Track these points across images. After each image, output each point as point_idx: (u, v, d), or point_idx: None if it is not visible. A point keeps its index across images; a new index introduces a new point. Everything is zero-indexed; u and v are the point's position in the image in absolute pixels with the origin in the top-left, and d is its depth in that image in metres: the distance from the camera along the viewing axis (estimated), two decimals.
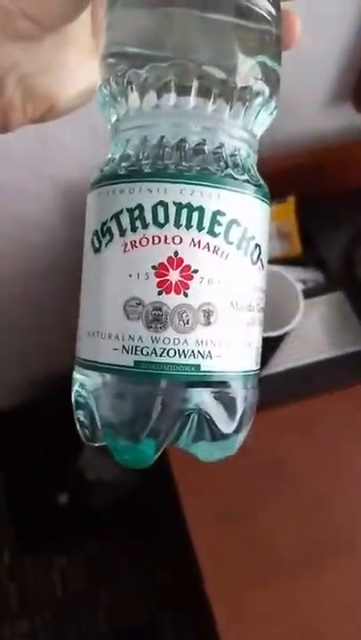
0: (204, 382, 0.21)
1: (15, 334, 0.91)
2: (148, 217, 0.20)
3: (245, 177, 0.22)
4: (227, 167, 0.21)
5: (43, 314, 0.89)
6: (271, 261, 0.70)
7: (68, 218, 0.71)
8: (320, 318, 0.67)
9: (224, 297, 0.21)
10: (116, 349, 0.21)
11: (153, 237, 0.20)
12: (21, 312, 0.87)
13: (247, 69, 0.21)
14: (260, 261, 0.22)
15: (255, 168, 0.23)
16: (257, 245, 0.22)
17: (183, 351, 0.20)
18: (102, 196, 0.22)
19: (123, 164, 0.22)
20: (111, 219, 0.21)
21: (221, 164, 0.21)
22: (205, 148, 0.21)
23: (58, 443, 1.03)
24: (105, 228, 0.21)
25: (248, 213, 0.21)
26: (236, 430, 0.23)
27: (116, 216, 0.21)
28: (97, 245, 0.22)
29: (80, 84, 0.24)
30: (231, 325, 0.21)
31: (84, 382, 0.23)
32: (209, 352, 0.21)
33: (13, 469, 1.03)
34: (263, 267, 0.22)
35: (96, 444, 0.23)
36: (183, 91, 0.21)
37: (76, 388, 0.23)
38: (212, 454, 0.24)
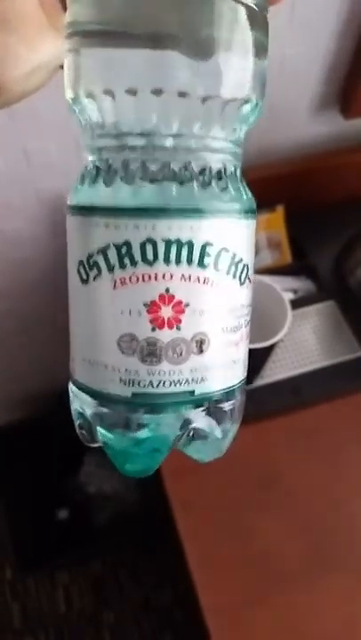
0: (198, 404, 0.22)
1: (10, 349, 0.91)
2: (137, 254, 0.20)
3: (233, 198, 0.21)
4: (213, 194, 0.20)
5: (39, 329, 0.88)
6: (262, 271, 0.70)
7: (55, 232, 0.71)
8: (312, 328, 0.66)
9: (215, 324, 0.21)
10: (113, 380, 0.21)
11: (143, 275, 0.20)
12: (16, 328, 0.87)
13: (232, 80, 0.20)
14: (247, 279, 0.22)
15: (240, 177, 0.22)
16: (245, 265, 0.22)
17: (178, 381, 0.21)
18: (85, 226, 0.21)
19: (103, 193, 0.21)
20: (98, 252, 0.20)
21: (208, 191, 0.20)
22: (190, 173, 0.20)
23: (57, 458, 1.03)
24: (91, 262, 0.21)
25: (236, 237, 0.21)
26: (224, 435, 0.24)
27: (103, 251, 0.20)
28: (84, 277, 0.21)
29: (26, 64, 0.22)
30: (222, 349, 0.22)
31: (81, 402, 0.23)
32: (202, 377, 0.22)
33: (13, 485, 1.03)
34: (250, 281, 0.22)
35: (95, 445, 0.24)
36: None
37: (74, 405, 0.24)
38: (206, 456, 0.25)
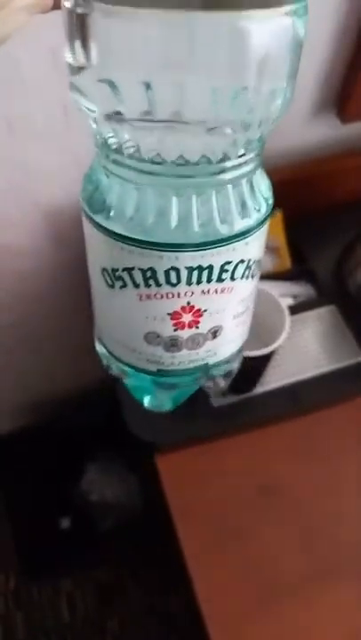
0: (211, 370, 0.26)
1: (13, 359, 0.91)
2: (161, 278, 0.21)
3: (251, 214, 0.21)
4: (233, 220, 0.21)
5: (42, 339, 0.88)
6: (261, 277, 0.69)
7: (56, 243, 0.71)
8: (312, 333, 0.66)
9: (228, 316, 0.24)
10: (140, 360, 0.25)
11: (167, 294, 0.22)
12: (20, 338, 0.87)
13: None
14: (256, 271, 0.24)
15: (260, 181, 0.23)
16: (256, 262, 0.23)
17: (195, 359, 0.25)
18: (109, 245, 0.21)
19: (127, 222, 0.20)
20: (123, 270, 0.21)
21: (229, 220, 0.20)
22: (212, 204, 0.20)
23: (59, 466, 1.02)
24: (117, 275, 0.22)
25: (253, 247, 0.22)
26: (228, 378, 0.29)
27: (129, 271, 0.21)
28: (109, 283, 0.22)
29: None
30: (232, 329, 0.25)
31: (108, 359, 0.27)
32: (214, 353, 0.25)
33: (16, 493, 1.03)
34: (258, 270, 0.25)
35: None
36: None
37: (102, 351, 0.27)
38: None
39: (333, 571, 0.55)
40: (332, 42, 0.62)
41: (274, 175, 0.78)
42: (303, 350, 0.65)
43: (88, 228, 0.22)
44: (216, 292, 0.22)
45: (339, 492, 0.60)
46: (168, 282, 0.21)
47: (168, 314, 0.22)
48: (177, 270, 0.21)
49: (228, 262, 0.21)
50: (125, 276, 0.21)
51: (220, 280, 0.22)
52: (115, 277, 0.22)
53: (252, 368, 0.57)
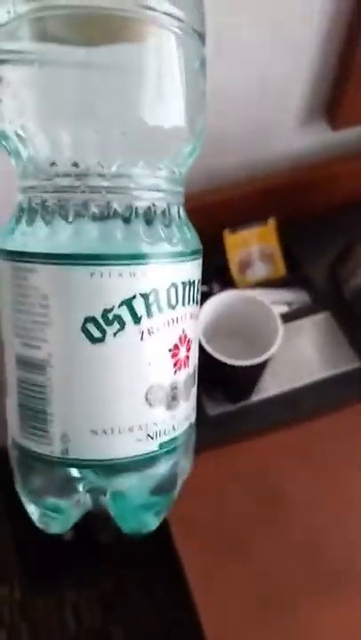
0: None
1: None
2: (163, 301, 0.19)
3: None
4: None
5: None
6: (256, 284, 0.69)
7: None
8: (308, 340, 0.66)
9: (197, 349, 0.22)
10: (139, 440, 0.20)
11: (168, 321, 0.20)
12: None
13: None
14: None
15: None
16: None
17: (188, 415, 0.22)
18: (94, 278, 0.18)
19: (122, 241, 0.19)
20: (120, 305, 0.18)
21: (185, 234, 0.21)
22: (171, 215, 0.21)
23: None
24: (110, 317, 0.18)
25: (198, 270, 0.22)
26: None
27: (128, 302, 0.18)
28: (98, 335, 0.18)
29: None
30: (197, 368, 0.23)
31: (91, 481, 0.21)
32: (194, 404, 0.23)
33: (16, 505, 1.03)
34: None
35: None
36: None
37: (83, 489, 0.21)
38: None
39: (335, 583, 0.55)
40: (320, 48, 0.62)
41: (266, 182, 0.78)
42: (299, 357, 0.65)
43: (43, 276, 0.18)
44: (192, 316, 0.21)
45: (339, 500, 0.59)
46: (169, 304, 0.19)
47: (169, 350, 0.20)
48: (175, 287, 0.19)
49: (196, 282, 0.21)
50: (124, 312, 0.18)
51: (196, 302, 0.21)
52: (107, 322, 0.18)
53: (247, 377, 0.57)
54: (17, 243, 0.19)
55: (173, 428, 0.21)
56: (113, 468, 0.20)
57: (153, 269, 0.19)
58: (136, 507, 0.22)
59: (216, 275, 0.69)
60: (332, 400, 0.63)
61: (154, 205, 0.20)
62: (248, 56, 0.59)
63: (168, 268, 0.19)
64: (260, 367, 0.54)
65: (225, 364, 0.52)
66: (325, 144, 0.72)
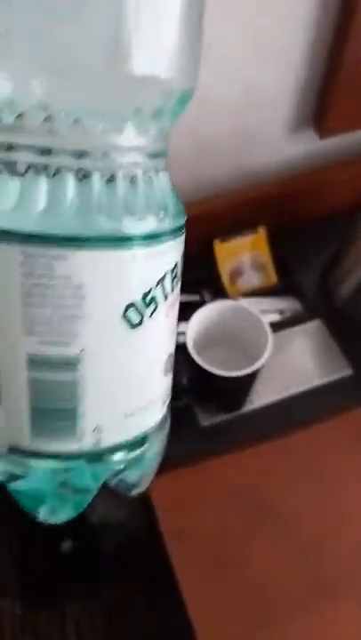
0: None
1: None
2: (179, 272, 0.19)
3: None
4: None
5: None
6: (247, 292, 0.69)
7: None
8: (300, 348, 0.66)
9: None
10: (159, 409, 0.21)
11: (178, 292, 0.20)
12: None
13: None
14: None
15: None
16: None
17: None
18: (136, 260, 0.17)
19: (157, 220, 0.18)
20: (157, 285, 0.18)
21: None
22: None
23: None
24: (148, 299, 0.18)
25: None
26: None
27: (161, 281, 0.18)
28: (136, 320, 0.18)
29: None
30: None
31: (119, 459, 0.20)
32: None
33: (15, 518, 1.02)
34: None
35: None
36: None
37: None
38: None
39: (331, 595, 0.55)
40: (307, 57, 0.62)
41: (255, 191, 0.79)
42: (291, 366, 0.64)
43: (78, 264, 0.16)
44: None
45: (335, 510, 0.59)
46: (179, 276, 0.19)
47: (177, 320, 0.20)
48: (181, 259, 0.19)
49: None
50: (158, 292, 0.18)
51: None
52: (146, 304, 0.18)
53: (238, 387, 0.57)
54: (29, 222, 0.16)
55: (170, 394, 0.22)
56: (141, 441, 0.20)
57: (177, 244, 0.19)
58: (150, 463, 0.22)
59: (207, 284, 0.69)
60: (325, 408, 0.62)
61: (156, 171, 0.18)
62: (235, 66, 0.59)
63: (181, 241, 0.19)
64: (251, 377, 0.54)
65: (216, 375, 0.52)
66: (313, 152, 0.72)
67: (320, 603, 0.54)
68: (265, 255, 0.70)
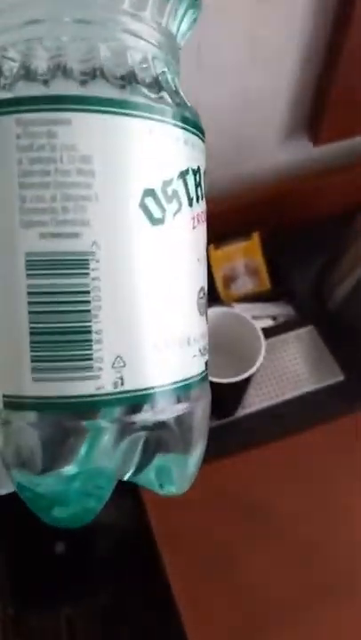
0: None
1: None
2: (203, 183, 0.16)
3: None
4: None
5: None
6: (241, 298, 0.70)
7: None
8: (293, 354, 0.66)
9: None
10: (195, 356, 0.16)
11: (204, 211, 0.17)
12: None
13: None
14: None
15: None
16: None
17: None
18: (153, 136, 0.14)
19: (174, 101, 0.15)
20: (178, 177, 0.15)
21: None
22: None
23: None
24: (170, 192, 0.15)
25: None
26: None
27: (183, 176, 0.15)
28: (158, 214, 0.14)
29: None
30: None
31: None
32: None
33: (6, 518, 1.02)
34: None
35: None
36: None
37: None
38: None
39: (322, 598, 0.55)
40: (302, 64, 0.63)
41: (249, 197, 0.79)
42: (284, 371, 0.65)
43: (85, 130, 0.14)
44: None
45: (327, 514, 0.60)
46: (203, 192, 0.16)
47: (205, 246, 0.17)
48: (204, 172, 0.17)
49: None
50: (180, 187, 0.15)
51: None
52: (167, 197, 0.15)
53: (231, 393, 0.57)
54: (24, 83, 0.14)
55: (208, 346, 0.17)
56: (180, 395, 0.16)
57: (198, 143, 0.16)
58: (191, 447, 0.18)
59: None
60: (317, 414, 0.63)
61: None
62: (230, 72, 0.60)
63: (201, 148, 0.16)
64: (244, 383, 0.55)
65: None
66: (307, 159, 0.73)
67: (312, 605, 0.55)
68: (259, 261, 0.71)
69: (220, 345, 0.59)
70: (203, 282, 0.17)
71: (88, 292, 0.14)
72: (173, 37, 0.17)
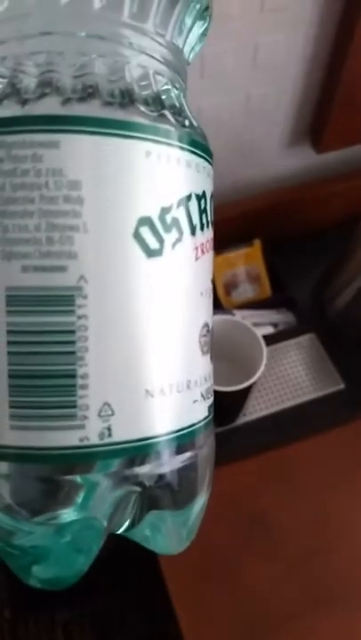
0: None
1: None
2: (210, 209, 0.15)
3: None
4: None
5: None
6: (242, 305, 0.70)
7: None
8: (294, 362, 0.66)
9: None
10: (195, 401, 0.15)
11: (210, 239, 0.15)
12: None
13: None
14: None
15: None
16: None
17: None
18: (150, 160, 0.13)
19: (179, 121, 0.14)
20: (179, 204, 0.14)
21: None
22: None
23: None
24: (169, 220, 0.13)
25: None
26: None
27: (185, 202, 0.14)
28: (155, 245, 0.13)
29: None
30: None
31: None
32: None
33: None
34: None
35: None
36: None
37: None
38: None
39: (323, 605, 0.55)
40: (304, 72, 0.62)
41: (251, 204, 0.79)
42: (285, 379, 0.65)
43: (74, 152, 0.12)
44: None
45: (326, 524, 0.59)
46: (211, 218, 0.15)
47: (211, 279, 0.16)
48: (211, 196, 0.15)
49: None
50: (181, 215, 0.14)
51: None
52: (166, 226, 0.13)
53: (231, 401, 0.57)
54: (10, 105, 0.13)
55: (211, 389, 0.16)
56: (177, 447, 0.14)
57: (204, 166, 0.15)
58: (192, 500, 0.16)
59: None
60: (318, 422, 0.63)
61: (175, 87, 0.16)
62: (232, 80, 0.59)
63: (208, 172, 0.15)
64: (245, 392, 0.54)
65: None
66: (309, 166, 0.72)
67: (310, 615, 0.55)
68: (260, 268, 0.71)
69: (222, 352, 0.59)
70: (207, 317, 0.15)
71: (73, 332, 0.12)
72: (180, 52, 0.16)
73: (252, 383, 0.53)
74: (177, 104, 0.15)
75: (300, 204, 0.72)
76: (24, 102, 0.12)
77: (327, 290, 0.69)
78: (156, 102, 0.14)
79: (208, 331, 0.15)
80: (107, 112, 0.13)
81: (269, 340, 0.62)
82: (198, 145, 0.15)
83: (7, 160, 0.12)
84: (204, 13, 0.16)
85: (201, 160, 0.15)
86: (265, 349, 0.54)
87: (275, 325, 0.68)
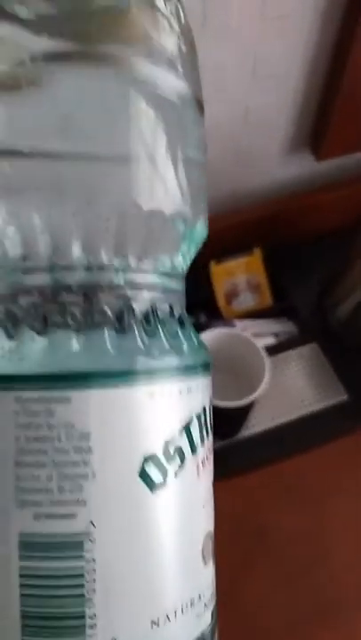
0: None
1: None
2: (209, 420, 0.16)
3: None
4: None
5: None
6: (243, 314, 0.69)
7: None
8: (296, 372, 0.65)
9: None
10: (198, 616, 0.15)
11: (210, 447, 0.16)
12: None
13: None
14: None
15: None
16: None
17: None
18: (155, 400, 0.14)
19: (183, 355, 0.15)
20: (181, 432, 0.14)
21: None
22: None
23: None
24: (173, 450, 0.14)
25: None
26: None
27: (187, 428, 0.15)
28: (159, 479, 0.14)
29: None
30: None
31: None
32: None
33: None
34: None
35: None
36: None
37: None
38: None
39: (325, 617, 0.55)
40: (305, 80, 0.62)
41: (252, 212, 0.78)
42: (287, 391, 0.64)
43: (84, 407, 0.13)
44: None
45: (329, 534, 0.59)
46: (211, 426, 0.16)
47: (213, 485, 0.17)
48: (210, 405, 0.16)
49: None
50: (183, 441, 0.14)
51: None
52: (169, 458, 0.14)
53: (234, 416, 0.57)
54: (25, 362, 0.14)
55: (214, 595, 0.16)
56: None
57: (203, 381, 0.16)
58: None
59: (203, 306, 0.69)
60: (320, 434, 0.62)
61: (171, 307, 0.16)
62: (233, 88, 0.59)
63: (207, 384, 0.16)
64: (247, 407, 0.54)
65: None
66: (309, 174, 0.72)
67: (312, 628, 0.54)
68: (260, 277, 0.70)
69: (225, 365, 0.59)
70: (210, 526, 0.16)
71: (82, 576, 0.13)
72: (180, 275, 0.17)
73: (253, 399, 0.52)
74: (176, 330, 0.16)
75: (301, 212, 0.71)
76: (38, 336, 0.14)
77: (329, 298, 0.68)
78: (160, 337, 0.15)
79: (210, 538, 0.16)
80: (115, 362, 0.14)
81: (271, 350, 0.62)
82: (198, 366, 0.15)
83: (23, 414, 0.13)
84: (194, 234, 0.17)
85: (200, 377, 0.15)
86: (268, 365, 0.54)
87: (276, 335, 0.68)
